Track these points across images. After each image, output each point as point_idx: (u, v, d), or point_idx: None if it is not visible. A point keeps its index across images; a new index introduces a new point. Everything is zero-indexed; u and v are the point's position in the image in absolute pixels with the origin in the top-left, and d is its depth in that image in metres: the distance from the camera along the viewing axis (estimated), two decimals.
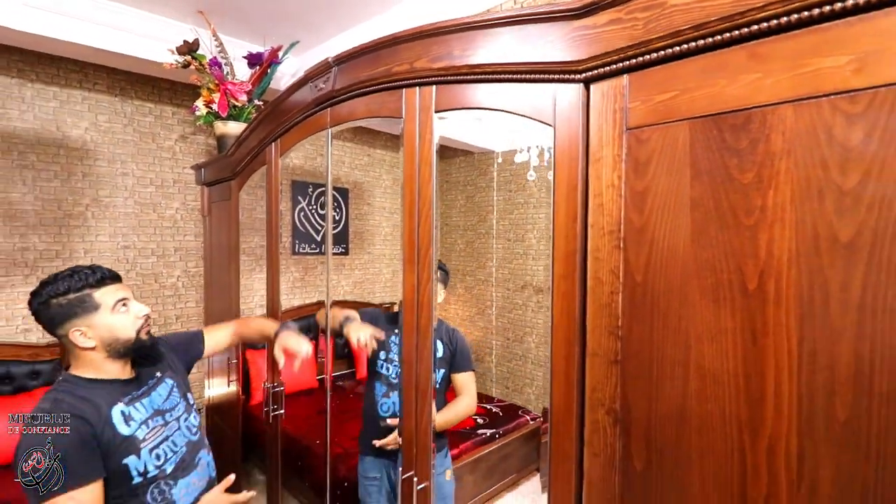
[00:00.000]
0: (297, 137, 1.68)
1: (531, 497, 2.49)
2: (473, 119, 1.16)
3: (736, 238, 0.65)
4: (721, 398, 0.67)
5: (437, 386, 1.55)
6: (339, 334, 1.54)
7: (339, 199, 3.54)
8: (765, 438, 0.63)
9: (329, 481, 1.97)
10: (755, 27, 0.61)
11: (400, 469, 1.18)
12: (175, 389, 1.20)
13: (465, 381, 1.66)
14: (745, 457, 0.65)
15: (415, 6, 2.32)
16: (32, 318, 1.03)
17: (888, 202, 0.53)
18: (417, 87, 1.12)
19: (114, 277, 1.08)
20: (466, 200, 3.29)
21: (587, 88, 0.82)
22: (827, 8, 0.56)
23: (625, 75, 0.76)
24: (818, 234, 0.58)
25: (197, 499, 1.14)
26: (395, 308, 1.58)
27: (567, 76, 0.84)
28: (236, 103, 2.47)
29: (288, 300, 3.34)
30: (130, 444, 1.02)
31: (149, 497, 1.05)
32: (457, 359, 1.66)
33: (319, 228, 3.47)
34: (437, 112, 1.09)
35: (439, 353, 1.63)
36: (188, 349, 1.35)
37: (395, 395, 1.64)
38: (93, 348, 1.03)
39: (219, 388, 2.62)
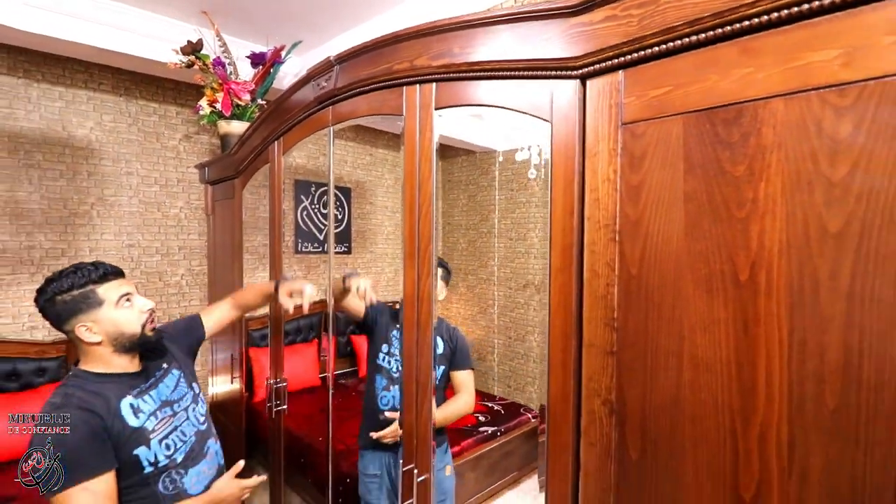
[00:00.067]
0: (299, 136, 1.69)
1: (532, 494, 2.49)
2: (474, 117, 1.18)
3: (728, 230, 0.66)
4: (714, 387, 0.68)
5: (437, 383, 1.56)
6: (342, 295, 1.57)
7: (342, 198, 3.56)
8: (756, 426, 0.64)
9: (331, 478, 1.99)
10: (746, 23, 0.63)
11: (401, 462, 1.19)
12: (182, 380, 1.22)
13: (465, 379, 1.68)
14: (737, 445, 0.66)
15: (416, 5, 2.33)
16: (39, 315, 1.04)
17: (876, 193, 0.55)
18: (418, 85, 1.13)
19: (117, 273, 1.09)
20: (468, 200, 3.30)
21: (583, 84, 0.84)
22: (816, 3, 0.57)
23: (620, 71, 0.78)
24: (808, 225, 0.59)
25: (207, 486, 1.16)
26: (398, 306, 1.59)
27: (564, 72, 0.85)
28: (240, 103, 2.50)
29: None
30: (140, 436, 1.04)
31: (160, 486, 1.07)
32: (457, 357, 1.68)
33: (322, 227, 3.49)
34: (437, 109, 1.10)
35: (439, 350, 1.64)
36: (188, 335, 1.37)
37: (395, 389, 1.65)
38: (99, 343, 1.05)
39: (222, 385, 2.64)
